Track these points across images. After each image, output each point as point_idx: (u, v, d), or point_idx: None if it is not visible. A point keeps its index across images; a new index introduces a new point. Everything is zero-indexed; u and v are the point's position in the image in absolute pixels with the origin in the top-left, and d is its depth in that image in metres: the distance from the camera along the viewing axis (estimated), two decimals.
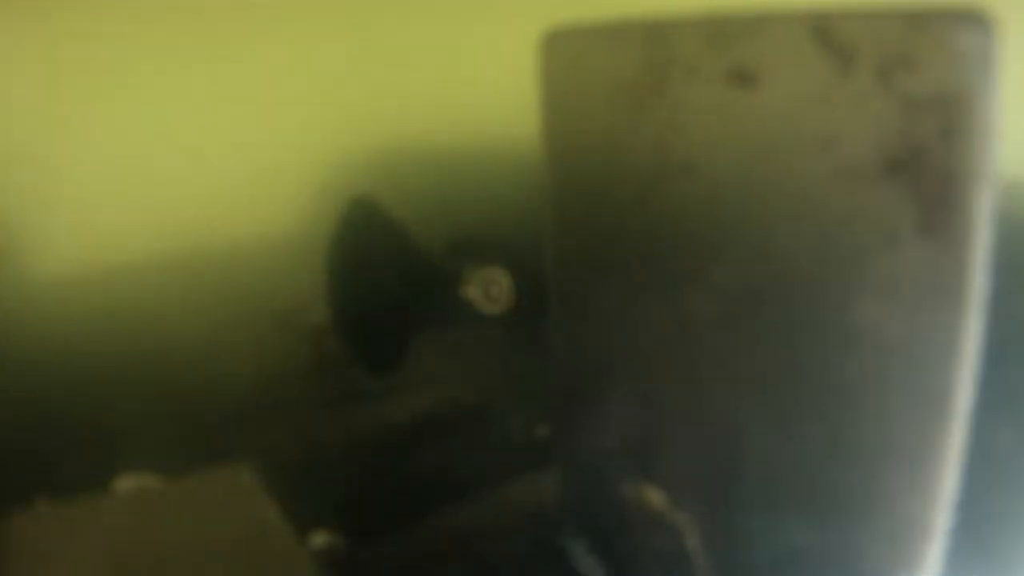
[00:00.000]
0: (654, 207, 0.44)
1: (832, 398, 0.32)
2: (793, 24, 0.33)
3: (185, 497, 0.53)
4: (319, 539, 0.55)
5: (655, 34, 0.40)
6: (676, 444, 0.45)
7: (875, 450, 0.32)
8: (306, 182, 0.63)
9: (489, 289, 0.63)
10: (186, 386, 0.58)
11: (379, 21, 0.65)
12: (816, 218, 0.32)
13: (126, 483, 0.56)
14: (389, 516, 0.56)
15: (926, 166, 0.26)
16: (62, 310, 0.54)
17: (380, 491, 0.58)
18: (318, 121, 0.63)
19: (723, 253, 0.39)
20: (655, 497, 0.47)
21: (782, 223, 0.34)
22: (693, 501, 0.44)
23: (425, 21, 0.65)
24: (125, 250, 0.56)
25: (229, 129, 0.60)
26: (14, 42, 0.50)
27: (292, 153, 0.62)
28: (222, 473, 0.54)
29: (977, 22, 0.25)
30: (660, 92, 0.41)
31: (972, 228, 0.26)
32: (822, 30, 0.31)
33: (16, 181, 0.51)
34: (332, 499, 0.57)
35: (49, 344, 0.53)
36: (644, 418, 0.47)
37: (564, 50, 0.47)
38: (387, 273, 0.63)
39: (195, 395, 0.58)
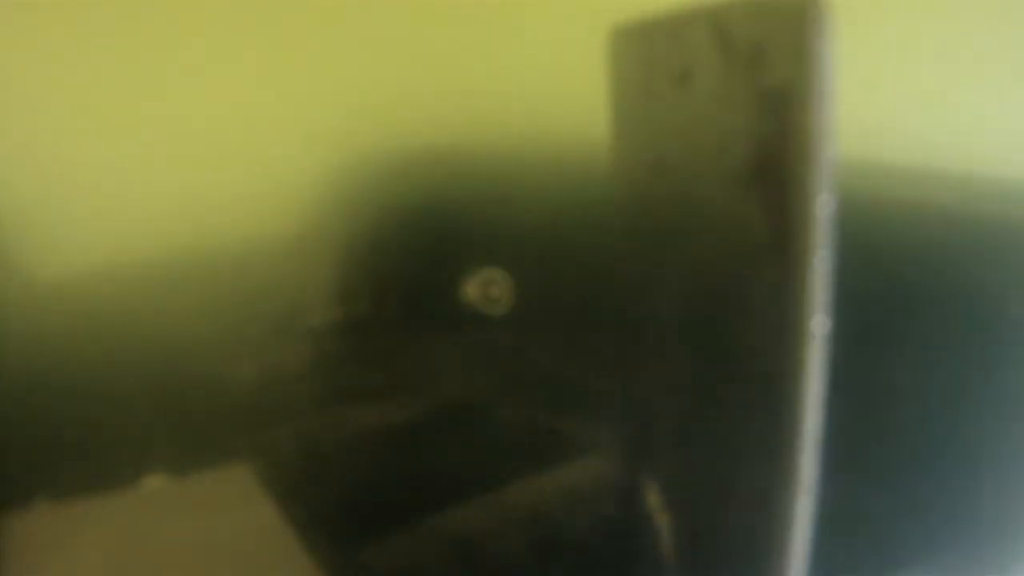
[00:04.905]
0: (635, 206, 0.43)
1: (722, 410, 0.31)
2: (701, 20, 0.32)
3: (185, 497, 0.55)
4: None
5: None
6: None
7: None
8: (311, 184, 0.64)
9: (489, 289, 0.63)
10: (187, 386, 0.59)
11: (394, 20, 0.65)
12: (711, 228, 0.30)
13: (151, 482, 0.58)
14: (389, 516, 0.56)
15: (771, 172, 0.24)
16: (64, 310, 0.55)
17: (380, 491, 0.59)
18: (325, 123, 0.64)
19: (666, 261, 0.38)
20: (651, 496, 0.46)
21: (692, 232, 0.33)
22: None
23: (429, 22, 0.65)
24: (127, 251, 0.57)
25: (234, 130, 0.60)
26: (18, 40, 0.51)
27: (299, 155, 0.63)
28: (222, 473, 0.56)
29: (812, 14, 0.23)
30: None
31: (812, 238, 0.24)
32: (718, 24, 0.30)
33: (20, 180, 0.53)
34: (332, 499, 0.58)
35: (50, 343, 0.55)
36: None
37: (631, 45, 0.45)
38: None
39: (196, 395, 0.59)
